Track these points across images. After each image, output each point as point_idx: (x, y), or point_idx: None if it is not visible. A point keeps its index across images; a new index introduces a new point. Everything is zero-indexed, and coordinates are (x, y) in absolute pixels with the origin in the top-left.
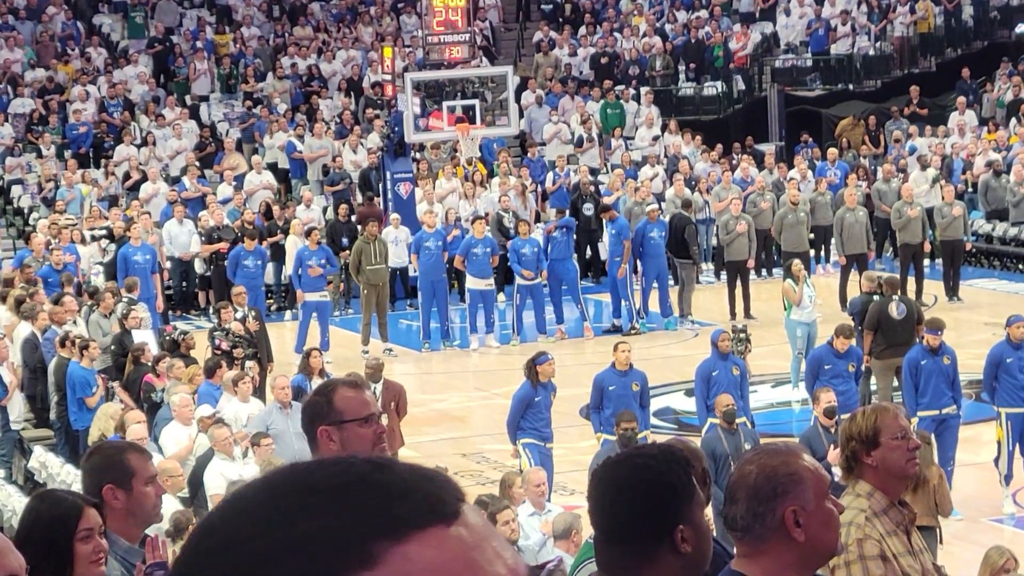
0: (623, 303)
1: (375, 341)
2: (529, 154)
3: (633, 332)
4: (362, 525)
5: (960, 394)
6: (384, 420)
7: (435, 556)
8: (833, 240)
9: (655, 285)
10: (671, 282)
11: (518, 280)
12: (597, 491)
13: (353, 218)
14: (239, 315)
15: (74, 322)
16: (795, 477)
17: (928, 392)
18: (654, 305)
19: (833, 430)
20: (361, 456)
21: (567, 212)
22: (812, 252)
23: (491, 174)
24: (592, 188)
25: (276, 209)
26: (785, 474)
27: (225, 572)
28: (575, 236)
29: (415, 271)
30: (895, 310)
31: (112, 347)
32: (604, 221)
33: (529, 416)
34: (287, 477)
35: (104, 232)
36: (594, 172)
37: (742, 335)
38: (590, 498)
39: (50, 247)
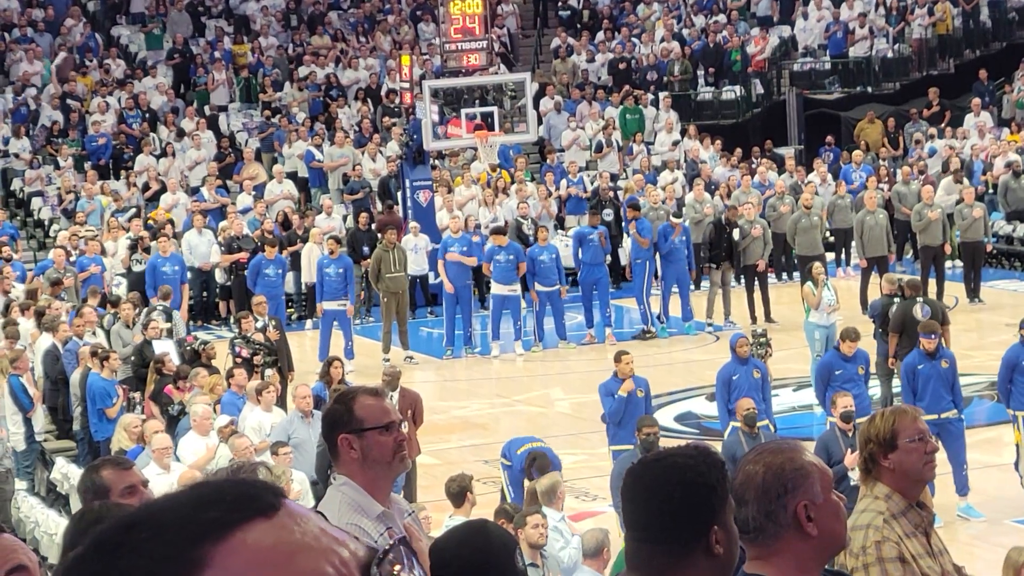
0: (641, 307)
1: (396, 349)
2: (548, 160)
3: (648, 336)
4: (186, 535)
5: (960, 398)
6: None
7: (258, 546)
8: (853, 243)
9: (675, 290)
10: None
11: (537, 286)
12: (634, 490)
13: (373, 226)
14: (259, 324)
15: (93, 333)
16: (802, 472)
17: (927, 396)
18: (675, 310)
19: (851, 434)
20: (197, 481)
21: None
22: (832, 255)
23: (512, 181)
24: (612, 194)
25: (295, 218)
26: (792, 470)
27: None
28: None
29: (436, 278)
30: (919, 312)
31: (132, 357)
32: (626, 225)
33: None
34: (136, 511)
35: (129, 242)
36: (614, 178)
37: (762, 339)
38: (625, 497)
39: (70, 259)
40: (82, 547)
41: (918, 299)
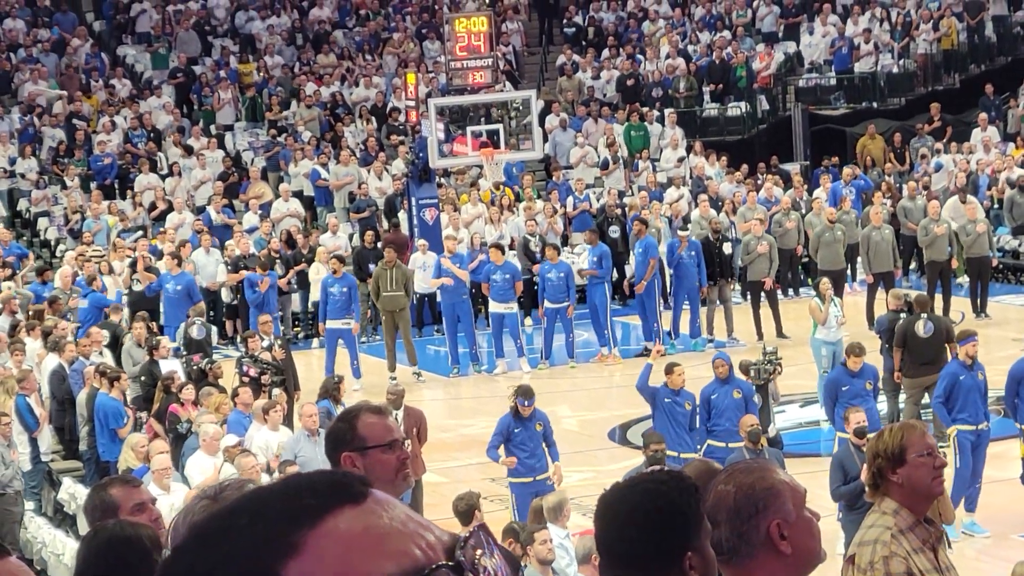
0: (653, 323)
1: (404, 367)
2: (554, 177)
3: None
4: (282, 521)
5: (988, 409)
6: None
7: (349, 531)
8: (859, 258)
9: (686, 306)
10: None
11: (545, 303)
12: (605, 516)
13: (379, 244)
14: (265, 343)
15: (100, 353)
16: (773, 491)
17: (967, 407)
18: (683, 326)
19: (865, 449)
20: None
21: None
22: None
23: (517, 198)
24: (618, 211)
25: (300, 238)
26: (763, 489)
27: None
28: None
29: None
30: (921, 328)
31: (142, 377)
32: (632, 240)
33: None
34: (228, 505)
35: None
36: (620, 195)
37: (772, 357)
38: (597, 522)
39: (77, 279)
40: (183, 540)
41: (922, 315)
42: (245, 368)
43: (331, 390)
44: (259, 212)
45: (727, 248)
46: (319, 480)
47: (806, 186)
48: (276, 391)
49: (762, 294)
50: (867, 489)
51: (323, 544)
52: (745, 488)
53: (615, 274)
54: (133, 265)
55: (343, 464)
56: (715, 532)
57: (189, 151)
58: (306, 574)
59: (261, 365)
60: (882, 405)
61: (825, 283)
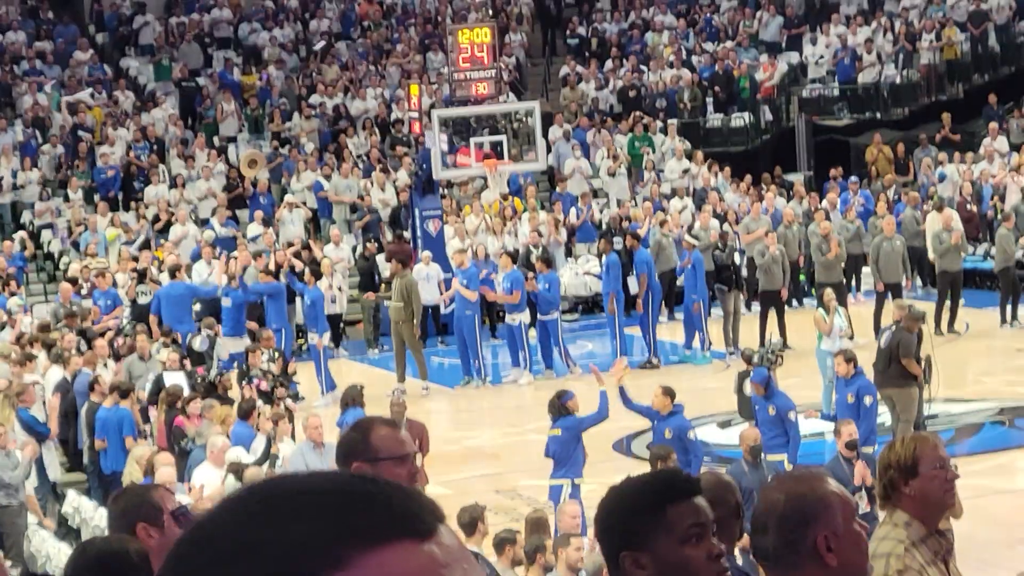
0: (645, 335)
1: (414, 380)
2: (558, 188)
3: (650, 366)
4: (336, 530)
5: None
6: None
7: (402, 568)
8: (865, 269)
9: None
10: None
11: (550, 313)
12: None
13: (381, 256)
14: (265, 357)
15: (104, 365)
16: (824, 502)
17: None
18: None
19: (854, 462)
20: (354, 472)
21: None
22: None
23: (524, 209)
24: (623, 223)
25: (304, 253)
26: (814, 500)
27: (205, 563)
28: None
29: (445, 308)
30: (882, 339)
31: (150, 389)
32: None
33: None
34: (280, 482)
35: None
36: (619, 204)
37: (775, 347)
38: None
39: (80, 291)
40: (212, 516)
41: (892, 327)
42: (256, 382)
43: (357, 398)
44: (263, 223)
45: (736, 257)
46: (394, 498)
47: (815, 194)
48: (289, 402)
49: (772, 305)
50: (879, 501)
51: (368, 573)
52: (796, 497)
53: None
54: (142, 276)
55: None
56: (763, 537)
57: (193, 159)
58: None
59: (273, 379)
60: (884, 417)
61: (829, 294)
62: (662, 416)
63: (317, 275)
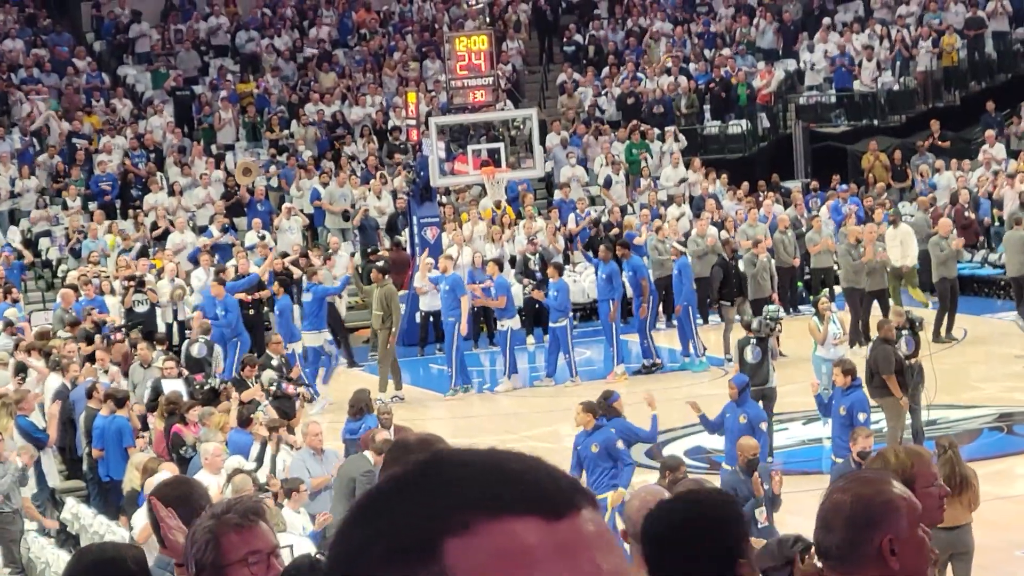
0: (643, 340)
1: (410, 388)
2: (562, 194)
3: (655, 368)
4: (467, 498)
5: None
6: None
7: (523, 541)
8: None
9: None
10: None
11: (558, 321)
12: (652, 531)
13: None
14: (275, 362)
15: (105, 371)
16: (891, 505)
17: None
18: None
19: None
20: (508, 449)
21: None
22: (839, 288)
23: (519, 216)
24: (618, 230)
25: (302, 261)
26: (881, 503)
27: (353, 521)
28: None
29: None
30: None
31: (148, 397)
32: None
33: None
34: (443, 454)
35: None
36: (622, 211)
37: (774, 314)
38: (644, 541)
39: (79, 299)
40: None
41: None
42: (284, 386)
43: (368, 405)
44: (260, 232)
45: (742, 266)
46: (523, 475)
47: (801, 202)
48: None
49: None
50: None
51: (496, 539)
52: (863, 499)
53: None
54: (140, 285)
55: None
56: (828, 536)
57: (190, 166)
58: (468, 555)
59: (296, 382)
60: (880, 423)
61: (824, 301)
62: (587, 431)
63: (286, 285)
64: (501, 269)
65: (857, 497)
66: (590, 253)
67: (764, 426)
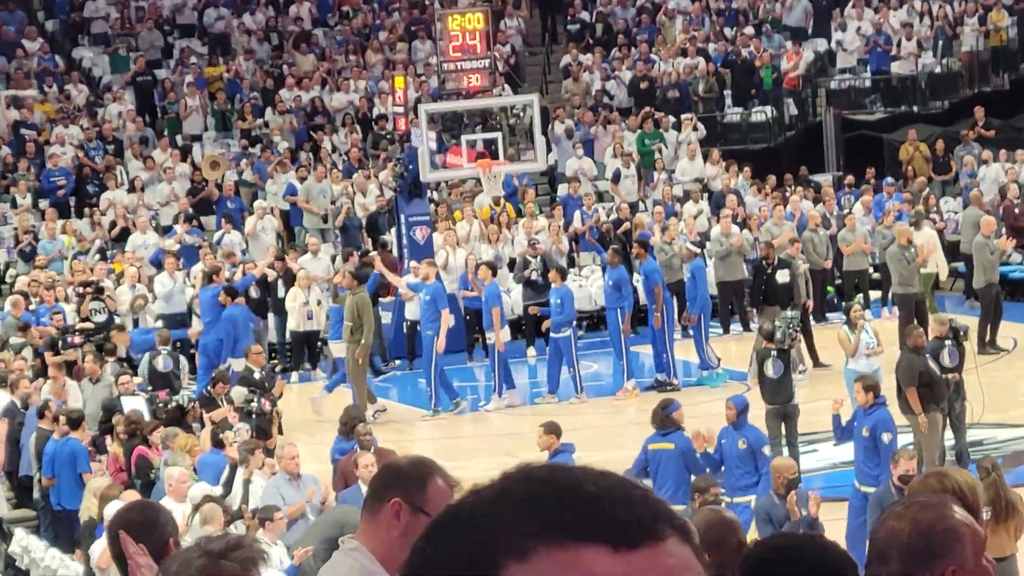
0: (662, 354)
1: (396, 405)
2: (567, 190)
3: (670, 388)
4: (530, 523)
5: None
6: None
7: (582, 572)
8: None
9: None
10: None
11: (560, 331)
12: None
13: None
14: (257, 375)
15: (63, 386)
16: (953, 534)
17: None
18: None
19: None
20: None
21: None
22: (878, 294)
23: (518, 214)
24: (628, 226)
25: (278, 264)
26: (943, 531)
27: (428, 535)
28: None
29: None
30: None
31: (100, 416)
32: (634, 264)
33: None
34: (528, 470)
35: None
36: (633, 208)
37: (794, 321)
38: None
39: (30, 307)
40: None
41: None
42: (263, 402)
43: (361, 420)
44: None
45: (782, 276)
46: (598, 501)
47: (832, 198)
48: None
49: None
50: None
51: (555, 568)
52: (923, 527)
53: None
54: (98, 292)
55: (387, 508)
56: (883, 569)
57: (151, 159)
58: None
59: (272, 397)
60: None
61: (856, 309)
62: (551, 454)
63: (232, 294)
64: (495, 275)
65: (915, 524)
66: (600, 246)
67: (767, 451)
